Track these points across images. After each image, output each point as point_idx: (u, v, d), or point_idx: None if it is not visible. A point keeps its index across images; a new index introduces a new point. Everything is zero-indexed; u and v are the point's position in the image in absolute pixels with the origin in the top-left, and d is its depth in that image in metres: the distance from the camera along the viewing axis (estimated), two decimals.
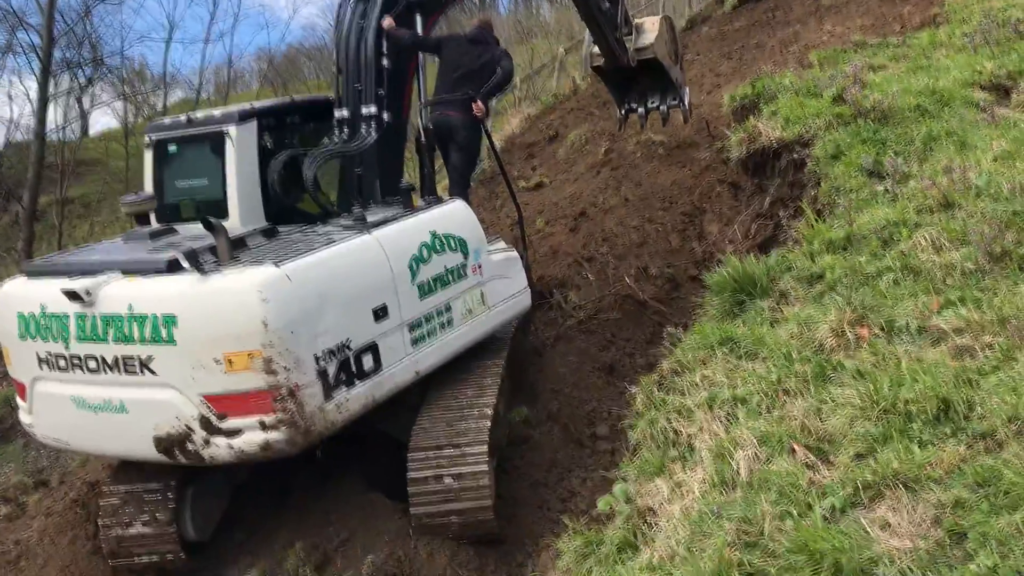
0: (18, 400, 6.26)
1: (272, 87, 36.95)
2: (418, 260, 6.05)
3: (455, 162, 8.21)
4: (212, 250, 5.52)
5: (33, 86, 22.86)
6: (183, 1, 77.05)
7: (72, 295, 5.37)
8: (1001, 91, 7.92)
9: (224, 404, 5.15)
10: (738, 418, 4.53)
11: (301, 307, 5.17)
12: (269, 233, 6.25)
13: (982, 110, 7.36)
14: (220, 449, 5.23)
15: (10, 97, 56.93)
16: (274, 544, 6.21)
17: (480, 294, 6.65)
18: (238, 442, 5.18)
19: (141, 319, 5.20)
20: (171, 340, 5.13)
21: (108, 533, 6.02)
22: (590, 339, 8.52)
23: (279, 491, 6.63)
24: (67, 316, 5.49)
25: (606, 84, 9.96)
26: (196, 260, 5.30)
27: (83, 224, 26.71)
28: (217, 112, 7.01)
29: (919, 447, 3.56)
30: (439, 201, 6.78)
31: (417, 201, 6.79)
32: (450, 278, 6.32)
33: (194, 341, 5.10)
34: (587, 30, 8.43)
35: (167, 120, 7.40)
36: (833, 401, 4.20)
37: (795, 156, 8.07)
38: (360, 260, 5.73)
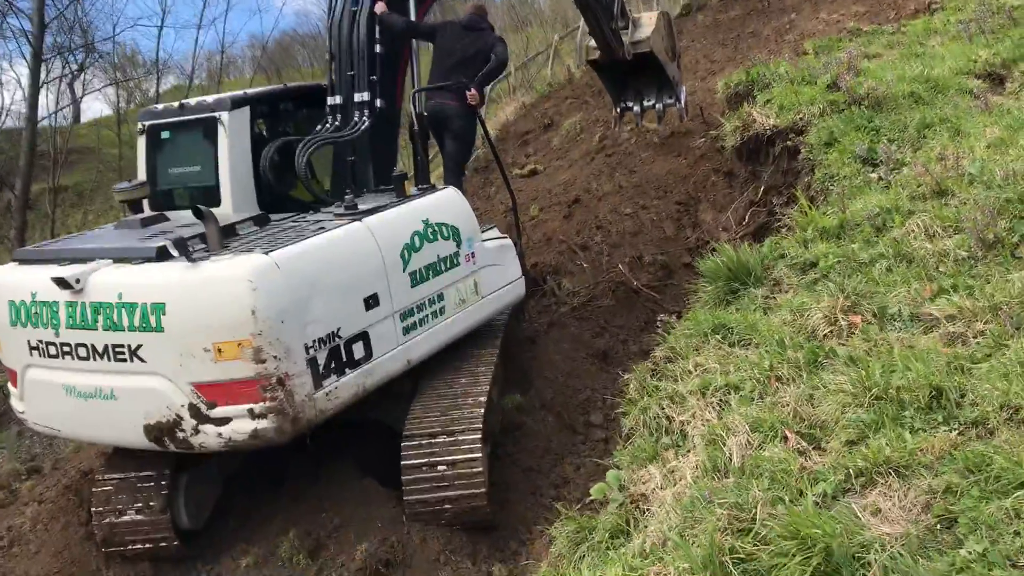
0: (10, 387, 6.25)
1: (265, 74, 36.82)
2: (410, 248, 6.03)
3: (450, 150, 8.18)
4: (202, 238, 5.50)
5: (24, 72, 22.79)
6: None
7: (62, 283, 5.35)
8: (995, 79, 7.92)
9: (213, 392, 5.14)
10: (731, 405, 4.53)
11: (291, 296, 5.16)
12: (260, 221, 6.23)
13: (976, 97, 7.36)
14: (209, 437, 5.23)
15: (0, 83, 56.75)
16: (268, 531, 6.21)
17: (473, 283, 6.64)
18: (227, 430, 5.18)
19: (130, 307, 5.18)
20: (160, 328, 5.12)
21: (101, 520, 6.02)
22: (584, 326, 8.53)
23: (273, 479, 6.62)
24: (57, 304, 5.47)
25: (602, 80, 9.92)
26: (185, 248, 5.28)
27: (76, 212, 26.64)
28: (210, 99, 6.99)
29: (910, 434, 3.57)
30: (432, 189, 6.76)
31: (410, 189, 6.77)
32: (443, 267, 6.30)
33: (183, 329, 5.09)
34: (582, 19, 8.36)
35: (160, 107, 7.38)
36: (825, 388, 4.21)
37: (789, 143, 8.06)
38: (351, 248, 5.70)
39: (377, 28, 7.10)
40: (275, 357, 5.04)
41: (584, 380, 7.74)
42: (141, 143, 7.09)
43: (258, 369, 5.03)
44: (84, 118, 36.45)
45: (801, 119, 8.03)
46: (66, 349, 5.52)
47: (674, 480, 4.21)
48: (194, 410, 5.20)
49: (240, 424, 5.15)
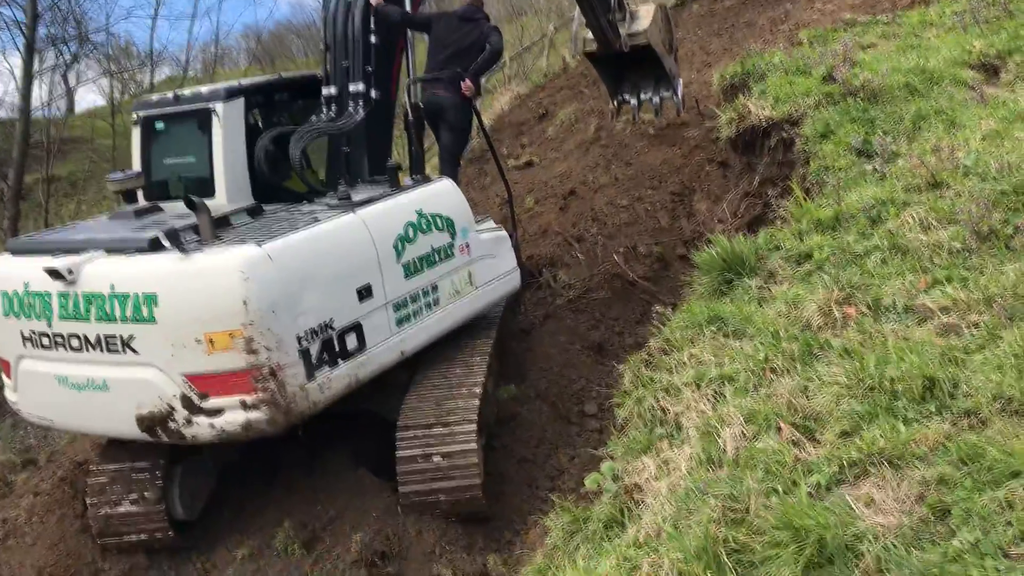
0: (4, 378, 6.24)
1: (260, 64, 36.66)
2: (404, 239, 6.02)
3: (445, 141, 8.17)
4: (196, 229, 5.48)
5: (17, 62, 22.59)
6: None
7: (54, 273, 5.33)
8: (990, 70, 7.91)
9: (205, 384, 5.14)
10: (725, 396, 4.54)
11: (283, 287, 5.15)
12: (254, 211, 6.21)
13: (971, 89, 7.35)
14: (202, 428, 5.23)
15: None
16: (263, 522, 6.22)
17: (468, 274, 6.63)
18: (219, 421, 5.18)
19: (123, 298, 5.17)
20: (152, 319, 5.11)
21: (96, 512, 6.02)
22: (579, 318, 8.53)
23: (268, 470, 6.62)
24: (49, 294, 5.46)
25: (598, 72, 9.87)
26: (177, 239, 5.26)
27: (70, 203, 26.52)
28: (204, 89, 6.96)
29: (904, 425, 3.57)
30: (426, 180, 6.74)
31: (404, 180, 6.75)
32: (436, 258, 6.30)
33: (175, 320, 5.08)
34: (577, 8, 8.31)
35: (154, 97, 7.35)
36: (819, 379, 4.21)
37: (784, 135, 8.05)
38: (344, 239, 5.70)
39: (372, 19, 7.07)
40: (267, 348, 5.04)
41: (579, 371, 7.75)
42: (135, 134, 7.07)
43: (250, 360, 5.03)
44: (78, 109, 36.28)
45: (796, 110, 8.01)
46: (59, 340, 5.51)
47: (668, 471, 4.23)
48: (186, 401, 5.19)
49: (232, 415, 5.15)
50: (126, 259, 5.36)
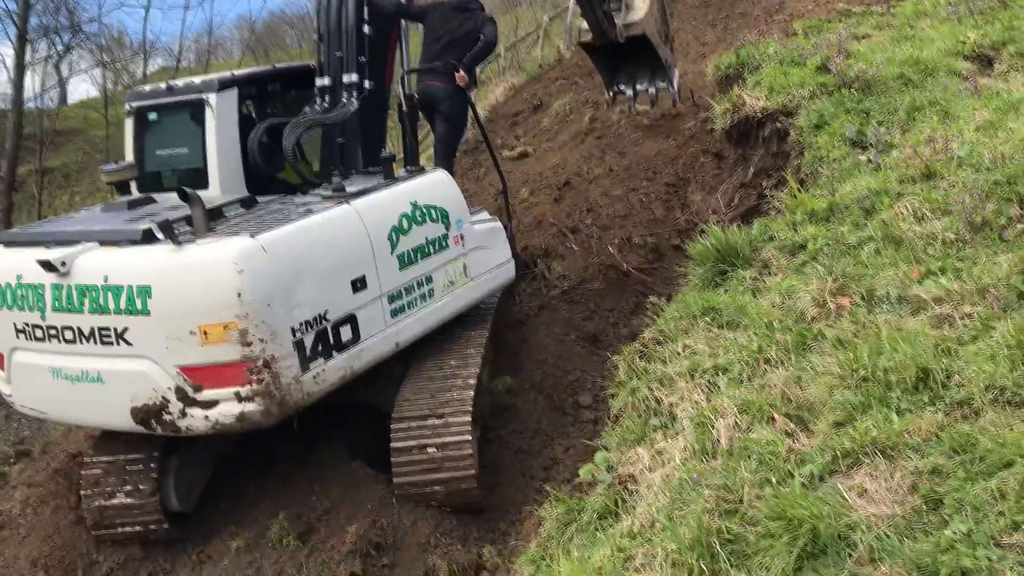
0: None
1: (254, 55, 36.52)
2: (398, 231, 6.01)
3: (440, 132, 8.15)
4: (189, 220, 5.47)
5: (9, 53, 22.49)
6: None
7: (47, 265, 5.31)
8: (984, 61, 7.92)
9: (200, 375, 5.13)
10: (719, 387, 4.55)
11: (277, 278, 5.14)
12: (247, 203, 6.20)
13: (965, 80, 7.36)
14: (196, 420, 5.22)
15: None
16: (257, 514, 6.21)
17: (462, 265, 6.63)
18: (214, 413, 5.17)
19: (116, 290, 5.16)
20: (146, 311, 5.10)
21: (91, 503, 6.01)
22: (574, 309, 8.53)
23: (262, 461, 6.62)
24: (43, 286, 5.44)
25: (594, 63, 9.83)
26: (171, 231, 5.25)
27: (63, 194, 26.46)
28: (197, 80, 6.93)
29: (897, 415, 3.59)
30: (421, 171, 6.73)
31: (398, 171, 6.74)
32: (431, 249, 6.29)
33: (169, 313, 5.07)
34: None
35: (147, 88, 7.31)
36: (813, 370, 4.23)
37: (779, 126, 8.05)
38: (338, 231, 5.68)
39: (366, 9, 7.04)
40: (261, 340, 5.03)
41: (574, 362, 7.76)
42: (128, 125, 7.04)
43: (244, 352, 5.02)
44: (71, 99, 36.15)
45: (791, 101, 8.01)
46: (52, 332, 5.49)
47: (662, 461, 4.24)
48: (181, 393, 5.19)
49: (227, 407, 5.14)
50: (120, 251, 5.34)
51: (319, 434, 6.48)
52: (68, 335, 5.42)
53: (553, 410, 7.12)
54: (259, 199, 6.31)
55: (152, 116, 6.91)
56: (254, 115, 7.06)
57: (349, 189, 6.07)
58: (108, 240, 5.47)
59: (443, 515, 5.89)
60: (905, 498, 3.12)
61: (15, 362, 5.89)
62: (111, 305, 5.19)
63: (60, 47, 26.05)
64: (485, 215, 7.36)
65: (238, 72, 7.15)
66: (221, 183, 6.52)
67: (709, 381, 4.67)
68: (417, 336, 6.20)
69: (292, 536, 5.90)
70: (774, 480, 3.50)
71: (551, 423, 6.96)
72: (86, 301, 5.28)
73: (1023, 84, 7.01)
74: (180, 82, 7.01)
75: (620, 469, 4.47)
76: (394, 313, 5.93)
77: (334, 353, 5.46)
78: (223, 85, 6.62)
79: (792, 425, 3.89)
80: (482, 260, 6.87)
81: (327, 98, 6.94)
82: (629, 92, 9.57)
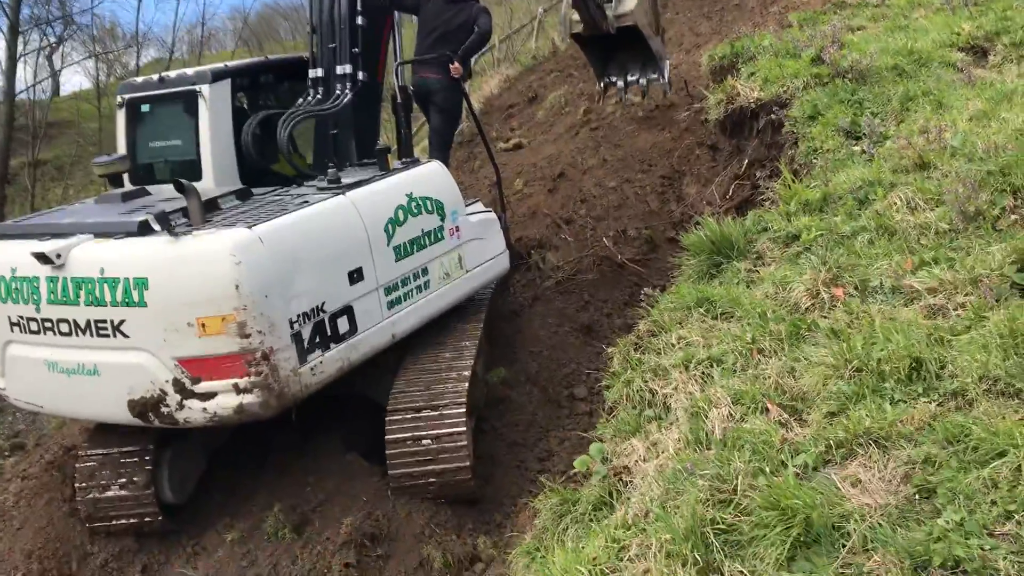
0: None
1: (247, 47, 36.42)
2: (394, 222, 6.01)
3: (435, 124, 8.13)
4: (184, 212, 5.45)
5: (1, 44, 22.38)
6: None
7: (42, 258, 5.30)
8: (978, 52, 7.92)
9: (198, 367, 5.13)
10: (713, 378, 4.56)
11: (275, 270, 5.13)
12: (243, 195, 6.19)
13: (959, 70, 7.37)
14: (194, 412, 5.22)
15: None
16: (252, 506, 6.22)
17: (458, 257, 6.63)
18: (212, 405, 5.17)
19: (113, 282, 5.14)
20: (143, 303, 5.09)
21: (85, 496, 6.01)
22: (568, 300, 8.54)
23: (257, 453, 6.62)
24: (38, 279, 5.42)
25: (585, 54, 9.83)
26: (167, 222, 5.24)
27: (56, 187, 26.37)
28: (190, 71, 6.91)
29: (891, 405, 3.60)
30: (416, 163, 6.72)
31: (393, 162, 6.73)
32: (427, 241, 6.29)
33: (166, 304, 5.06)
34: None
35: (139, 80, 7.29)
36: (807, 360, 4.23)
37: (773, 117, 8.05)
38: (335, 222, 5.68)
39: (359, 0, 7.02)
40: (259, 332, 5.03)
41: (568, 354, 7.76)
42: (120, 117, 7.01)
43: (243, 344, 5.02)
44: (63, 91, 36.03)
45: (785, 92, 8.02)
46: (48, 325, 5.48)
47: (657, 452, 4.25)
48: (179, 385, 5.18)
49: (225, 399, 5.14)
50: (116, 243, 5.33)
51: (315, 426, 6.48)
52: (64, 328, 5.41)
53: (548, 402, 7.14)
54: (254, 191, 6.29)
55: (144, 108, 6.89)
56: (247, 107, 7.04)
57: (345, 181, 6.07)
58: (104, 232, 5.45)
59: (438, 507, 5.90)
60: (898, 488, 3.13)
61: (9, 355, 5.88)
62: (108, 297, 5.17)
63: (52, 38, 25.96)
64: (480, 206, 7.36)
65: (231, 63, 7.13)
66: (215, 175, 6.51)
67: (703, 372, 4.67)
68: (413, 327, 6.20)
69: (287, 528, 5.91)
70: (768, 470, 3.50)
71: (546, 415, 6.97)
72: (82, 293, 5.26)
73: (1017, 75, 7.01)
74: (172, 73, 6.99)
75: (615, 460, 4.48)
76: (391, 305, 5.93)
77: (331, 345, 5.46)
78: (216, 76, 6.61)
79: (786, 415, 3.90)
80: (477, 251, 6.87)
81: (320, 90, 6.92)
82: (620, 83, 9.57)
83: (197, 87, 6.55)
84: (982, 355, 3.62)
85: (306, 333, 5.28)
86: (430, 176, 6.59)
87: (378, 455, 6.03)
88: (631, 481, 4.23)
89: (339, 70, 6.89)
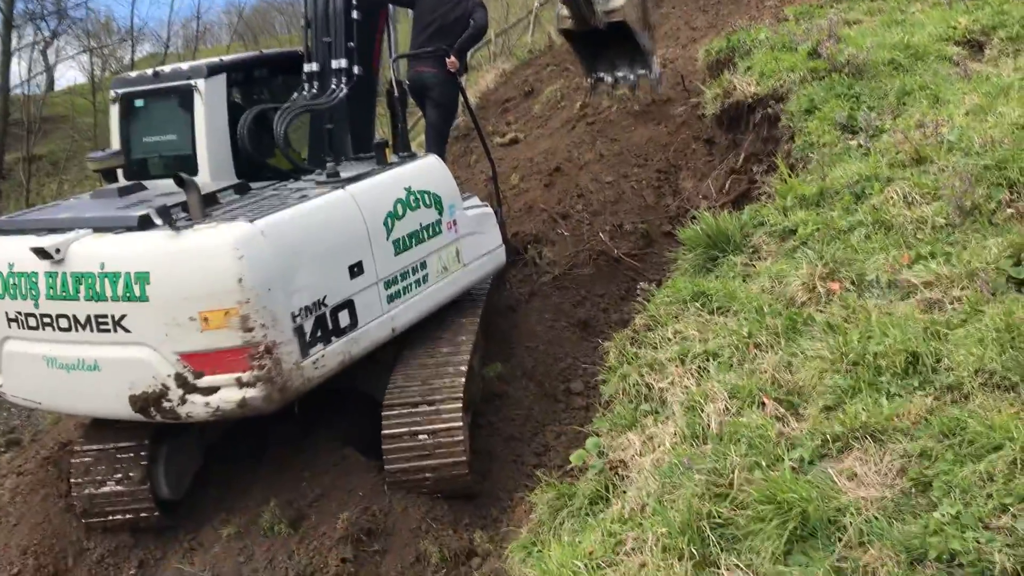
0: None
1: (242, 41, 36.33)
2: (393, 216, 6.00)
3: (431, 119, 8.12)
4: (183, 206, 5.44)
5: None
6: None
7: (41, 253, 5.28)
8: (975, 46, 7.92)
9: (200, 362, 5.12)
10: (709, 372, 4.57)
11: (277, 264, 5.13)
12: (241, 189, 6.18)
13: (955, 65, 7.37)
14: (197, 407, 5.21)
15: None
16: (248, 501, 6.21)
17: (455, 251, 6.62)
18: (215, 399, 5.16)
19: (113, 276, 5.12)
20: (144, 298, 5.07)
21: (81, 492, 5.99)
22: (564, 295, 8.54)
23: (253, 448, 6.62)
24: (36, 274, 5.40)
25: (574, 49, 9.79)
26: (168, 216, 5.23)
27: (51, 182, 26.30)
28: (185, 66, 6.89)
29: (887, 399, 3.61)
30: (413, 157, 6.71)
31: (390, 157, 6.72)
32: (425, 234, 6.28)
33: (168, 299, 5.05)
34: None
35: (133, 74, 7.26)
36: (803, 354, 4.24)
37: (769, 111, 8.05)
38: (335, 216, 5.67)
39: None
40: (262, 326, 5.02)
41: (565, 348, 7.77)
42: (114, 112, 6.99)
43: (245, 338, 5.01)
44: (58, 86, 35.91)
45: (782, 86, 8.01)
46: (47, 320, 5.46)
47: (653, 447, 4.25)
48: (181, 380, 5.17)
49: (228, 393, 5.13)
50: (116, 237, 5.30)
51: (312, 421, 6.48)
52: (63, 323, 5.39)
53: (544, 396, 7.14)
54: (251, 185, 6.28)
55: (139, 103, 6.87)
56: (242, 101, 7.02)
57: (344, 175, 6.06)
58: (104, 227, 5.43)
59: (434, 501, 5.90)
60: (894, 481, 3.14)
61: (6, 352, 5.86)
62: (108, 292, 5.16)
63: (47, 33, 25.87)
64: (476, 201, 7.35)
65: (226, 58, 7.11)
66: (211, 169, 6.50)
67: (699, 366, 4.68)
68: (412, 321, 6.20)
69: (283, 523, 5.90)
70: (764, 464, 3.51)
71: (542, 409, 6.98)
72: (82, 288, 5.24)
73: (1013, 69, 7.01)
74: (167, 68, 6.97)
75: (611, 455, 4.49)
76: (390, 298, 5.93)
77: (333, 338, 5.46)
78: (211, 71, 6.59)
79: (782, 409, 3.91)
80: (474, 246, 6.87)
81: (316, 84, 6.91)
82: (608, 79, 9.55)
83: (192, 82, 6.53)
84: (978, 349, 3.63)
85: (308, 327, 5.28)
86: (428, 170, 6.58)
87: (376, 450, 6.04)
88: (627, 475, 4.23)
89: (334, 64, 6.87)
